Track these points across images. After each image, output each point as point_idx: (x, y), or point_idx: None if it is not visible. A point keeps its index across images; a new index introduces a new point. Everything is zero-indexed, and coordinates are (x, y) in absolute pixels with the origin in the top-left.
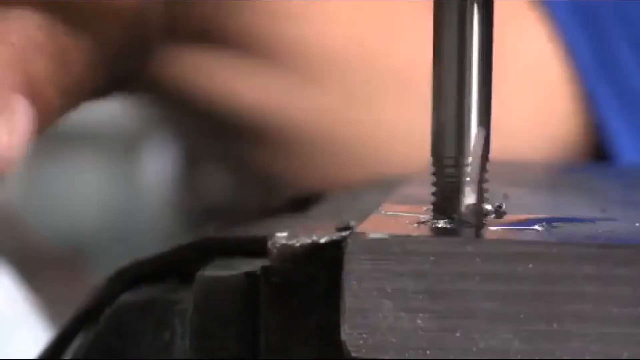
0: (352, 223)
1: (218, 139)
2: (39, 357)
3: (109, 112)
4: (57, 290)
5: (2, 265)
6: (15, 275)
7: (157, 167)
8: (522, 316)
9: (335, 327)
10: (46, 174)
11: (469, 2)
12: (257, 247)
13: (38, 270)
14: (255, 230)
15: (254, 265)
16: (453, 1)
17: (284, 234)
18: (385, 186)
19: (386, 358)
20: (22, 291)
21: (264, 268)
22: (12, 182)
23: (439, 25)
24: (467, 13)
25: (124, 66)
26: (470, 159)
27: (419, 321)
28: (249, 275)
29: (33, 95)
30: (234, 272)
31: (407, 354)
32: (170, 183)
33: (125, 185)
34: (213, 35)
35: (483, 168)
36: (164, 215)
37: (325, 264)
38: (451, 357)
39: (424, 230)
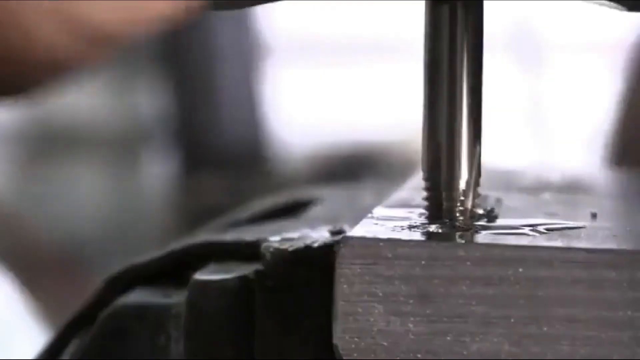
0: (345, 227)
1: None
2: None
3: (108, 116)
4: (55, 291)
5: (0, 267)
6: (14, 277)
7: (156, 169)
8: (512, 320)
9: (330, 330)
10: (45, 176)
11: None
12: (251, 252)
13: (36, 272)
14: (249, 234)
15: (248, 269)
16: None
17: (278, 238)
18: (379, 190)
19: None
20: (20, 293)
21: (258, 272)
22: (11, 183)
23: (431, 38)
24: (458, 31)
25: None
26: (462, 176)
27: (410, 325)
28: (243, 279)
29: None
30: (228, 276)
31: (398, 358)
32: (169, 185)
33: (124, 187)
34: None
35: (476, 176)
36: (163, 217)
37: (318, 268)
38: None
39: (415, 234)
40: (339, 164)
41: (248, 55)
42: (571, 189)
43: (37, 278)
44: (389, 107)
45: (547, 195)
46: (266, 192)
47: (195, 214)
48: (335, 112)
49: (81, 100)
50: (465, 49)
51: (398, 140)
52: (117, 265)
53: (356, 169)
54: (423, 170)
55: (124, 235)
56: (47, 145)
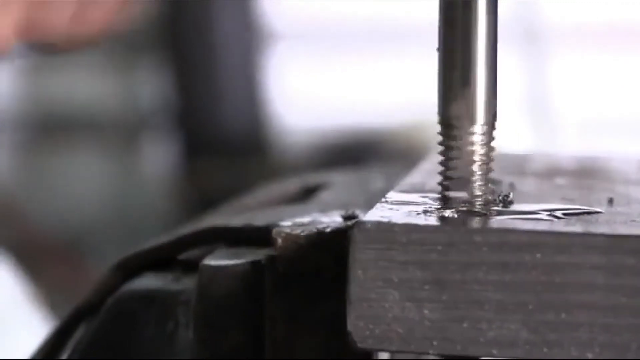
0: (357, 212)
1: None
2: (41, 347)
3: (109, 102)
4: (56, 279)
5: (1, 254)
6: (14, 265)
7: (156, 157)
8: (530, 306)
9: (341, 317)
10: (45, 164)
11: None
12: (261, 237)
13: (37, 260)
14: (259, 219)
15: (259, 254)
16: None
17: (289, 223)
18: (391, 175)
19: (392, 349)
20: (21, 281)
21: (269, 257)
22: (12, 171)
23: None
24: None
25: None
26: (477, 122)
27: (426, 311)
28: (253, 264)
29: None
30: (238, 262)
31: (413, 345)
32: (169, 173)
33: (124, 175)
34: None
35: (491, 131)
36: (163, 205)
37: (330, 253)
38: (458, 348)
39: (431, 220)
40: (341, 150)
41: (250, 40)
42: (585, 174)
43: (38, 265)
44: (392, 93)
45: (561, 180)
46: (268, 178)
47: (197, 200)
48: (338, 97)
49: (82, 87)
50: None
51: (401, 125)
52: (118, 252)
53: (359, 154)
54: (438, 109)
55: (125, 222)
56: (47, 133)
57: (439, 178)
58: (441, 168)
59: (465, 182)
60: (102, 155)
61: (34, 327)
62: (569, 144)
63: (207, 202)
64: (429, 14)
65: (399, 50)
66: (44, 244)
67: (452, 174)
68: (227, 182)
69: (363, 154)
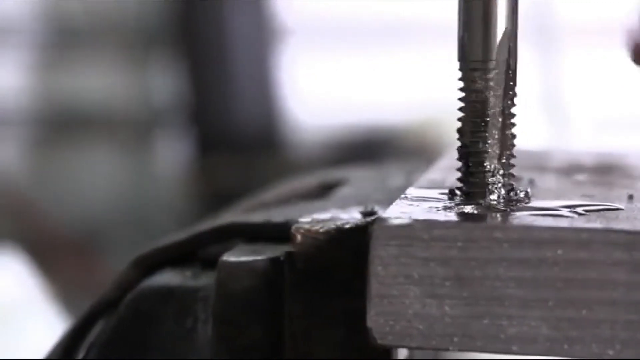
0: (377, 208)
1: None
2: (60, 342)
3: (123, 99)
4: (70, 275)
5: (15, 250)
6: (29, 260)
7: (170, 153)
8: (550, 303)
9: (360, 313)
10: (60, 160)
11: None
12: (280, 233)
13: (51, 256)
14: (278, 215)
15: (278, 250)
16: None
17: (308, 220)
18: (408, 171)
19: (412, 345)
20: (35, 276)
21: (288, 254)
22: (26, 168)
23: None
24: None
25: None
26: (495, 64)
27: (446, 308)
28: (273, 260)
29: None
30: (257, 258)
31: (433, 341)
32: (183, 169)
33: (138, 171)
34: None
35: (508, 77)
36: (176, 201)
37: (350, 249)
38: (478, 344)
39: (451, 216)
40: (354, 146)
41: (263, 37)
42: (604, 170)
43: (52, 260)
44: (404, 90)
45: (581, 177)
46: (281, 175)
47: (210, 196)
48: (350, 94)
49: (96, 84)
50: None
51: (414, 122)
52: (131, 247)
53: (372, 151)
54: (458, 70)
55: (139, 218)
56: (62, 129)
57: (458, 174)
58: (458, 157)
59: (484, 173)
60: (116, 151)
61: (49, 322)
62: (585, 140)
63: (220, 198)
64: (442, 12)
65: (412, 48)
66: (58, 239)
67: (473, 120)
68: (240, 178)
69: (375, 150)
